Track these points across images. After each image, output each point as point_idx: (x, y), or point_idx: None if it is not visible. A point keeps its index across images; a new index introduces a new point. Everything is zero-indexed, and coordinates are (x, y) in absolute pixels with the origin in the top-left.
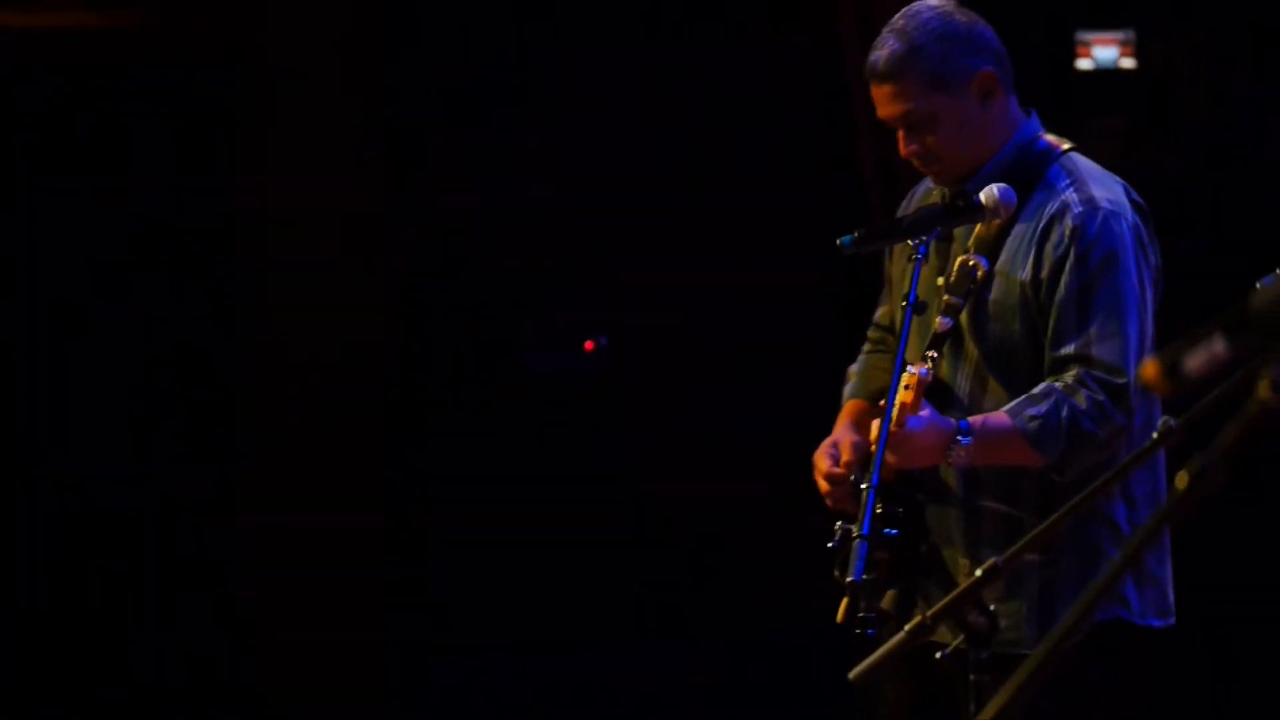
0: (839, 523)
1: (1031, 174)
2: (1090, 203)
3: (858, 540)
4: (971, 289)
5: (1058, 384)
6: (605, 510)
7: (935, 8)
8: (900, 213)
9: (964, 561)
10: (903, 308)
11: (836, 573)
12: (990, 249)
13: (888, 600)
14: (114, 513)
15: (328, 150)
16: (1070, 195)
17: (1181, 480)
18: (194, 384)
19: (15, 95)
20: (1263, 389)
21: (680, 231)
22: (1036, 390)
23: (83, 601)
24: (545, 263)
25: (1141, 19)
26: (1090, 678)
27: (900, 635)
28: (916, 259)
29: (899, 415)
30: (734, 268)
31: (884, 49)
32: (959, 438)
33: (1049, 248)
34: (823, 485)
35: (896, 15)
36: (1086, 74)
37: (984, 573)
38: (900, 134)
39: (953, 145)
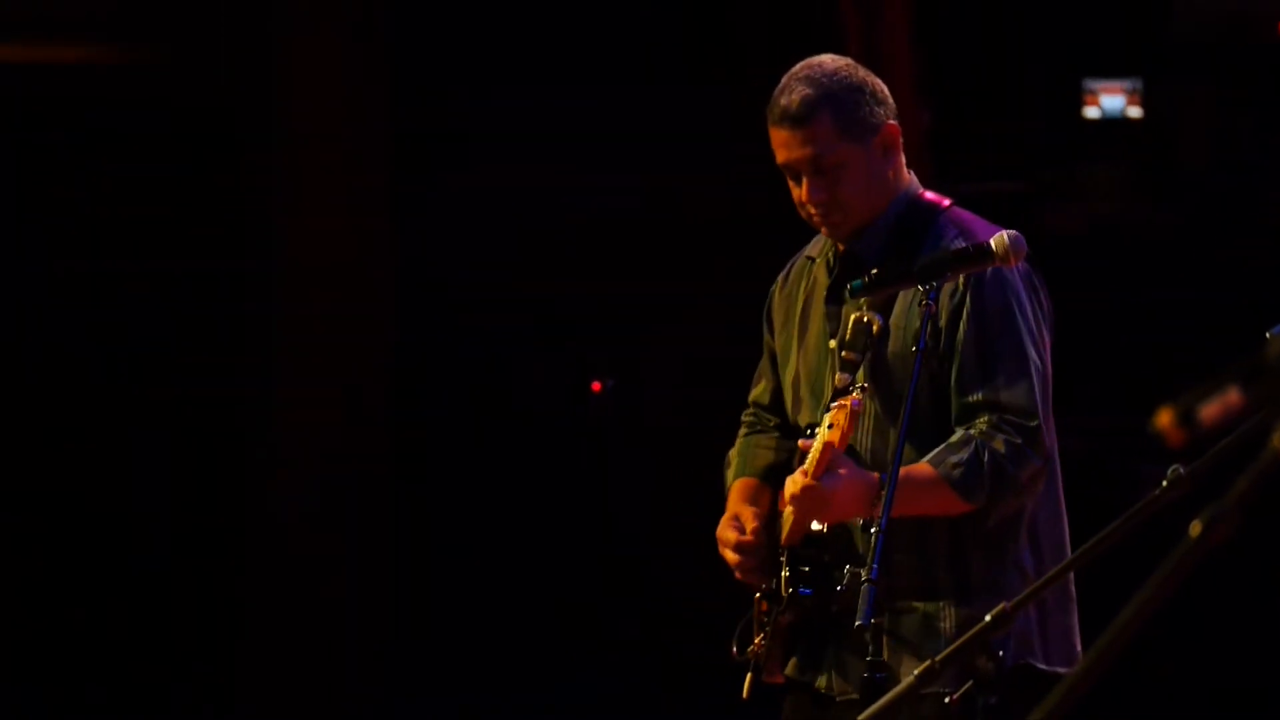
0: (757, 594)
1: (920, 228)
2: None
3: (866, 585)
4: (868, 344)
5: (972, 431)
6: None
7: (839, 60)
8: (784, 289)
9: (876, 620)
10: (913, 352)
11: (735, 648)
12: (884, 304)
13: (791, 667)
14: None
15: (333, 190)
16: (960, 245)
17: (1195, 529)
18: (204, 444)
19: (12, 130)
20: (1277, 439)
21: (686, 276)
22: (954, 439)
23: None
24: (547, 305)
25: (1148, 68)
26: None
27: (908, 680)
28: (927, 304)
29: (820, 460)
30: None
31: (795, 94)
32: (882, 491)
33: (944, 296)
34: (732, 557)
35: (798, 66)
36: (1093, 122)
37: (993, 618)
38: (805, 181)
39: (858, 195)
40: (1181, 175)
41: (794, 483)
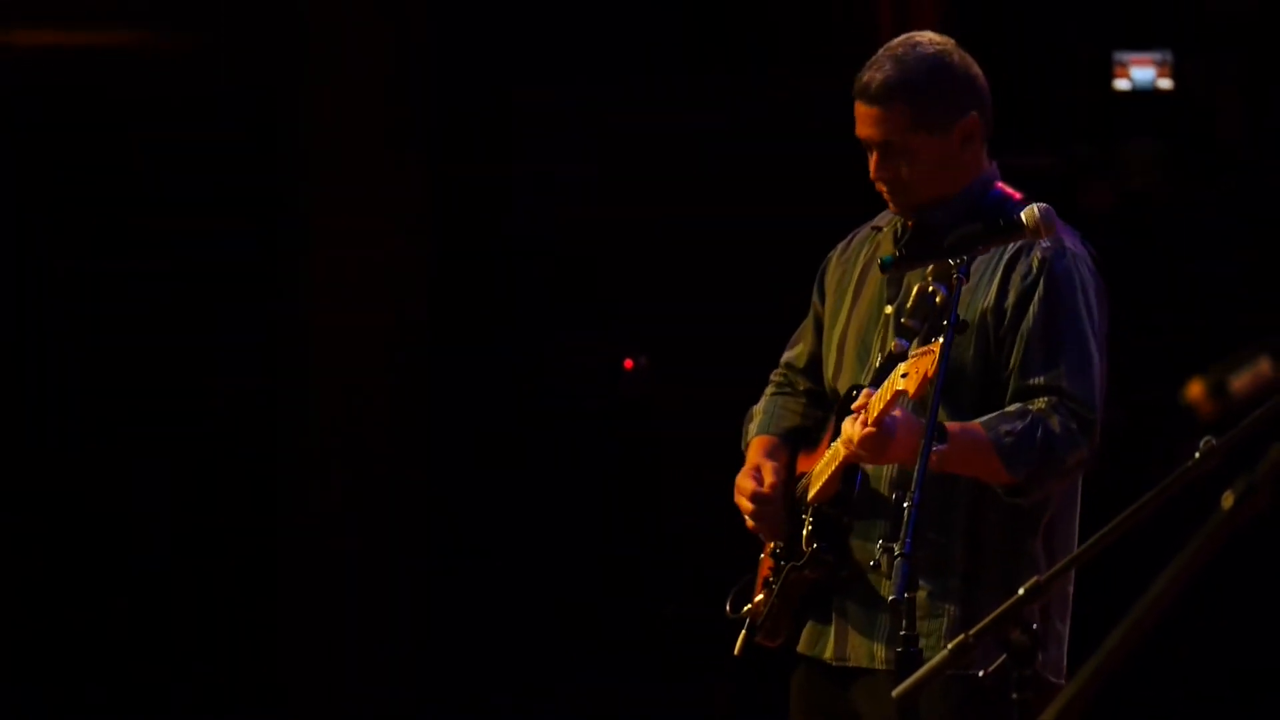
0: (763, 555)
1: (992, 215)
2: (1058, 242)
3: (900, 559)
4: (930, 314)
5: (1031, 407)
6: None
7: (936, 43)
8: (842, 255)
9: (889, 583)
10: (944, 326)
11: (729, 607)
12: (948, 278)
13: (803, 643)
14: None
15: (364, 182)
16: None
17: (1227, 500)
18: (203, 444)
19: (32, 117)
20: None
21: (721, 257)
22: (1009, 409)
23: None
24: (580, 283)
25: (1179, 40)
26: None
27: (943, 653)
28: (958, 278)
29: (887, 406)
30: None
31: (879, 73)
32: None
33: (1016, 276)
34: (747, 506)
35: (896, 41)
36: (1124, 95)
37: (1026, 590)
38: (873, 157)
39: (923, 180)
40: (1214, 147)
41: (853, 427)
